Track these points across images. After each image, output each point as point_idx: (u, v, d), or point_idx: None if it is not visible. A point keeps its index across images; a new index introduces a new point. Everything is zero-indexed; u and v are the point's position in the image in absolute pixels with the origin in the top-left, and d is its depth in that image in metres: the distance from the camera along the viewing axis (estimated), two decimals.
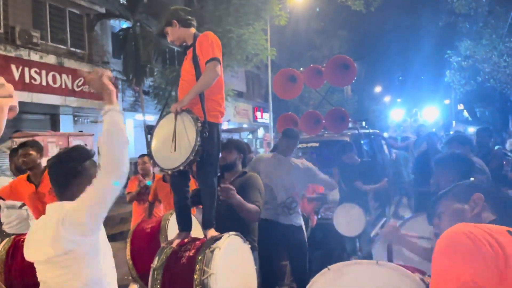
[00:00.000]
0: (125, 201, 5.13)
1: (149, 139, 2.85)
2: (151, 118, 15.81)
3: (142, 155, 5.37)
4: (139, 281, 3.71)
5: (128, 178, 6.03)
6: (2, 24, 11.58)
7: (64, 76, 12.64)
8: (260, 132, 24.37)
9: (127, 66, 14.52)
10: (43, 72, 11.98)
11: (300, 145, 6.63)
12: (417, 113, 29.20)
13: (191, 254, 2.45)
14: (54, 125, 14.00)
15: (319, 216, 5.17)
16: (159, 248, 3.07)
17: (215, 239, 2.52)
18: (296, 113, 7.13)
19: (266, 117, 23.62)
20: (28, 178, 3.72)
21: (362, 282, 2.03)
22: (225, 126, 20.22)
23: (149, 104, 15.35)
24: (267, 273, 2.87)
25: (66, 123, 14.15)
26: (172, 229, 3.46)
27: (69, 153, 1.86)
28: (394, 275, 1.97)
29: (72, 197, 1.79)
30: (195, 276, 2.31)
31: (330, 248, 5.48)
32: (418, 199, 5.58)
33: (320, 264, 4.85)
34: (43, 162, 3.61)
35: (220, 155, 3.19)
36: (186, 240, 2.65)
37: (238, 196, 2.82)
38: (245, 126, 22.44)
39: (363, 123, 7.84)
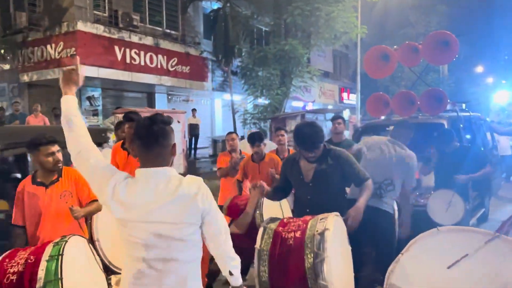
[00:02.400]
0: (210, 176, 5.32)
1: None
2: (238, 98, 16.20)
3: (230, 132, 5.51)
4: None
5: (217, 155, 6.26)
6: (106, 8, 12.57)
7: (160, 56, 13.40)
8: (346, 113, 23.70)
9: (217, 46, 14.95)
10: (142, 53, 12.82)
11: (391, 127, 6.31)
12: None
13: (297, 235, 2.40)
14: (150, 102, 15.01)
15: (411, 202, 4.90)
16: (253, 224, 3.19)
17: (321, 219, 2.46)
18: (386, 94, 6.78)
19: (353, 98, 22.90)
20: (122, 145, 4.07)
21: (470, 250, 1.98)
22: (309, 107, 20.00)
23: (237, 84, 15.71)
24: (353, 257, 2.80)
25: (161, 101, 15.09)
26: (267, 206, 3.55)
27: (155, 116, 1.87)
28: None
29: (156, 161, 1.82)
30: (306, 258, 2.26)
31: None
32: None
33: None
34: None
35: (308, 154, 3.04)
36: (285, 220, 2.65)
37: (361, 208, 2.75)
38: (330, 107, 22.00)
39: (463, 105, 7.19)
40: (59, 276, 2.13)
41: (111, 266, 3.04)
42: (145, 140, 1.82)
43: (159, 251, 1.78)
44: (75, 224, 2.94)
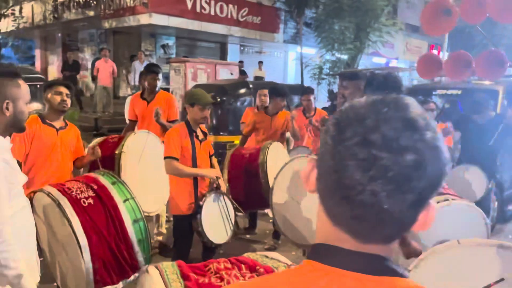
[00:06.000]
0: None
1: None
2: (312, 51, 15.68)
3: (263, 88, 5.34)
4: (233, 204, 4.03)
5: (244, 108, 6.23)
6: None
7: (230, 6, 13.36)
8: None
9: None
10: (212, 2, 12.89)
11: (439, 92, 5.76)
12: None
13: None
14: (223, 53, 15.24)
15: None
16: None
17: None
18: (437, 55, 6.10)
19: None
20: (142, 95, 4.26)
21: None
22: (393, 64, 18.73)
23: (310, 36, 15.16)
24: None
25: (233, 52, 15.23)
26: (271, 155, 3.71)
27: None
28: None
29: None
30: None
31: None
32: None
33: None
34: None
35: None
36: None
37: None
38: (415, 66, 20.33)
39: None
40: None
41: None
42: None
43: None
44: None
